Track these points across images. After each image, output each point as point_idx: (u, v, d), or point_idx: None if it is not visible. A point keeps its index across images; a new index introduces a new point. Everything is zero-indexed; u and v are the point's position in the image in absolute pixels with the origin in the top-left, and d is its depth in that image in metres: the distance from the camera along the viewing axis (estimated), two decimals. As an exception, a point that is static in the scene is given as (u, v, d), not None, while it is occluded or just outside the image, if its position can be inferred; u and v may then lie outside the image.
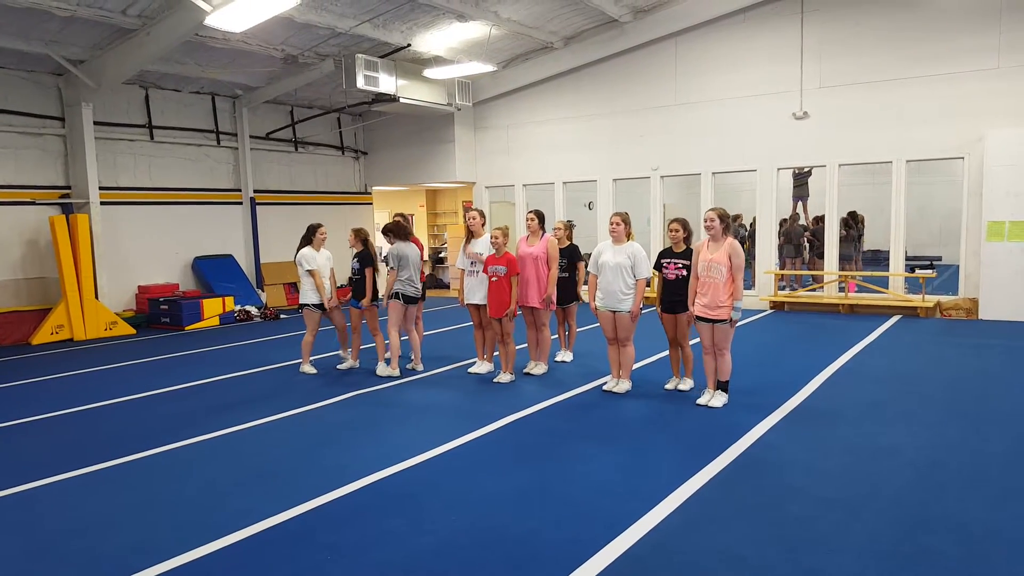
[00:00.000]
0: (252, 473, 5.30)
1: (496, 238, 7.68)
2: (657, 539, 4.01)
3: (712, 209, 6.59)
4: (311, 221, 9.23)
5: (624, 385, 7.27)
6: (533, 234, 8.19)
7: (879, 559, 3.72)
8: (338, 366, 8.89)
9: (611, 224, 7.18)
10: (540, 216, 8.27)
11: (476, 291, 8.06)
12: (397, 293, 8.22)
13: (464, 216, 8.64)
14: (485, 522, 4.29)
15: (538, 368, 8.24)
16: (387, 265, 8.42)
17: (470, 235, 8.25)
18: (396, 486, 4.93)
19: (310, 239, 8.60)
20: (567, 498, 4.63)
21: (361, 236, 8.63)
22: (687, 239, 7.02)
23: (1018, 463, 5.06)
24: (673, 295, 6.95)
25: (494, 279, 7.71)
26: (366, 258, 8.49)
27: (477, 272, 8.01)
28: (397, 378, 8.17)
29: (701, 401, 6.70)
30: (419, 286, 8.41)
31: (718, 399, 6.66)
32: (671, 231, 7.05)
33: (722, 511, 4.37)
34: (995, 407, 6.51)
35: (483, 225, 8.27)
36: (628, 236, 7.16)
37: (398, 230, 8.45)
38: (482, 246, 8.02)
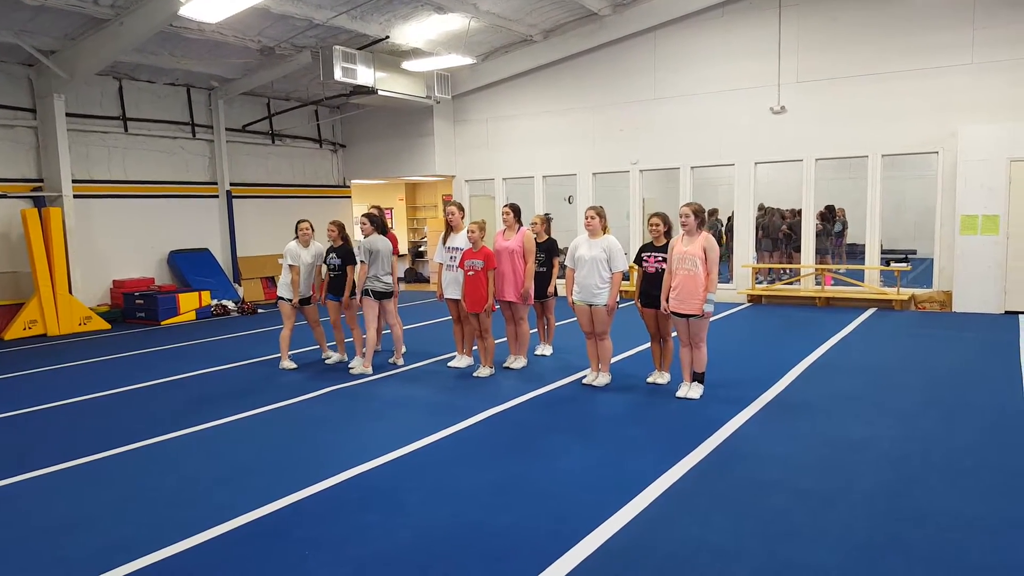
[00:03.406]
0: (230, 469, 5.26)
1: (472, 232, 7.66)
2: (635, 531, 4.03)
3: (687, 204, 6.63)
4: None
5: (603, 379, 7.29)
6: (509, 228, 8.17)
7: (853, 549, 3.76)
8: (326, 361, 8.85)
9: (586, 218, 7.20)
10: (516, 210, 8.25)
11: (454, 285, 8.04)
12: (367, 290, 8.17)
13: (443, 210, 8.60)
14: (464, 516, 4.29)
15: (517, 362, 8.24)
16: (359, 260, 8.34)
17: (449, 229, 8.23)
18: (375, 481, 4.91)
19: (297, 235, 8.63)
20: (546, 491, 4.64)
21: (342, 232, 8.60)
22: (667, 233, 7.04)
23: (990, 454, 5.14)
24: (653, 289, 6.96)
25: (471, 273, 7.69)
26: (348, 254, 8.45)
27: (455, 266, 7.99)
28: (369, 376, 8.11)
29: (680, 394, 6.74)
30: (389, 281, 8.28)
31: (695, 390, 6.71)
32: (652, 226, 7.05)
33: (699, 503, 4.40)
34: (968, 399, 6.60)
35: (463, 219, 8.25)
36: (604, 230, 7.19)
37: (378, 222, 8.37)
38: (461, 240, 8.00)
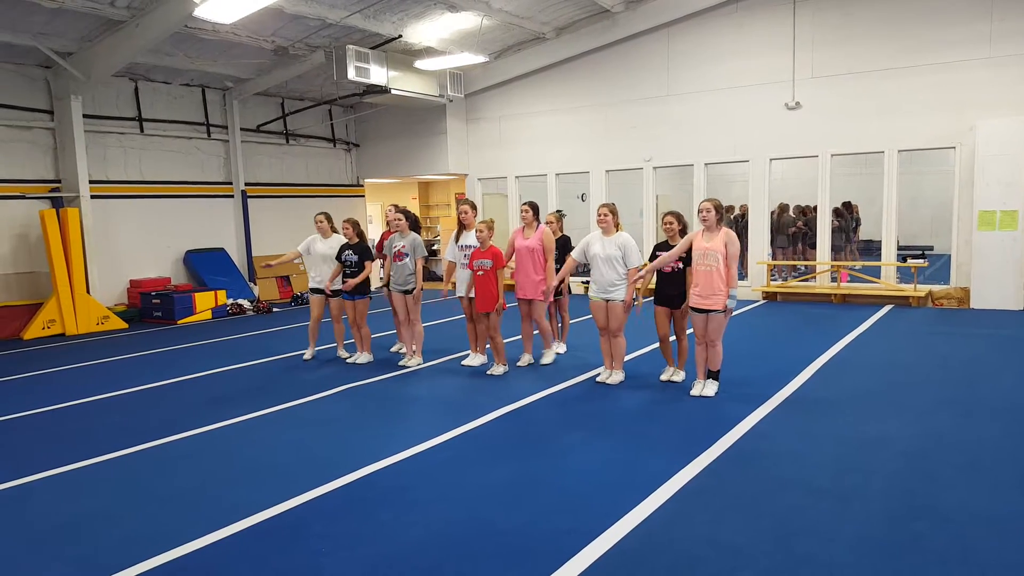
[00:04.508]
0: (245, 467, 5.30)
1: (480, 231, 7.66)
2: (650, 529, 4.02)
3: (708, 200, 6.59)
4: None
5: (617, 376, 7.27)
6: (528, 226, 8.17)
7: (870, 546, 3.74)
8: (347, 359, 8.88)
9: (599, 215, 7.20)
10: (535, 208, 8.25)
11: (467, 283, 8.06)
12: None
13: (456, 208, 8.63)
14: (478, 514, 4.30)
15: (532, 359, 8.23)
16: (408, 256, 8.35)
17: (462, 227, 8.24)
18: (389, 479, 4.93)
19: None
20: (560, 489, 4.63)
21: (357, 229, 8.65)
22: (682, 232, 7.02)
23: (1008, 451, 5.09)
24: (668, 288, 6.95)
25: (480, 273, 7.69)
26: (365, 251, 8.52)
27: (467, 264, 8.00)
28: (421, 365, 8.46)
29: (695, 391, 6.72)
30: None
31: (710, 388, 6.69)
32: (666, 224, 7.03)
33: (715, 501, 4.38)
34: (985, 396, 6.54)
35: (476, 217, 8.26)
36: (616, 227, 7.17)
37: (412, 218, 8.63)
38: (473, 239, 8.01)
